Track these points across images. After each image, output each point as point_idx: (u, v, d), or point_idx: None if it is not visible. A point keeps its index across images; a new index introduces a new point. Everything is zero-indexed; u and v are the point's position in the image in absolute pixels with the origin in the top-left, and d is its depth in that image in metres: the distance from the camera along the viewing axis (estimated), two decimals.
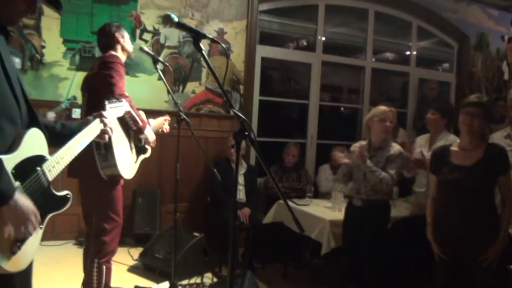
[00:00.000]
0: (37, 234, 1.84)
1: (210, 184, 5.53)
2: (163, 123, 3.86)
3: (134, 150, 3.46)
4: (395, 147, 3.87)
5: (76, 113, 5.12)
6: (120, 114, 2.56)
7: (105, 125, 2.31)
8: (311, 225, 4.32)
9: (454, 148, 3.22)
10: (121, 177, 3.22)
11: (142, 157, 3.59)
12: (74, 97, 4.94)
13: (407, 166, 4.14)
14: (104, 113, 2.33)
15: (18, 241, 1.71)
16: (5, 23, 1.85)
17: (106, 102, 2.44)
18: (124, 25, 3.58)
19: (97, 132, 2.27)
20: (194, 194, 5.84)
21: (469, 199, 3.02)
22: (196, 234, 4.69)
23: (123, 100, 2.60)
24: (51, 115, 4.41)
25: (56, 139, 2.04)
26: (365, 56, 7.29)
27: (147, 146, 3.63)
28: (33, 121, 1.90)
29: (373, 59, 7.38)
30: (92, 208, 3.33)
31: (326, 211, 4.60)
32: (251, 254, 5.03)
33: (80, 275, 3.59)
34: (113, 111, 2.45)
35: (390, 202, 4.00)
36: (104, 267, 3.31)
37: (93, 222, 3.34)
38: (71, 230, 5.28)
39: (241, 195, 5.39)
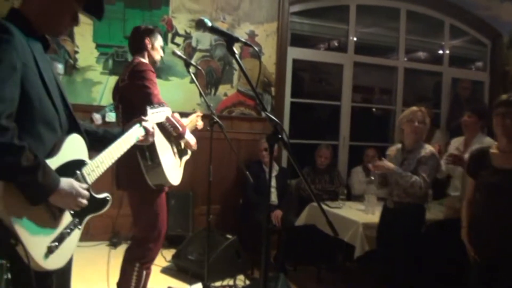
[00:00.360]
0: (75, 235, 1.91)
1: (242, 187, 5.54)
2: (196, 120, 3.86)
3: (177, 155, 3.47)
4: (427, 149, 3.79)
5: (110, 116, 5.19)
6: (162, 119, 2.59)
7: (146, 129, 2.36)
8: (344, 228, 4.28)
9: (493, 150, 3.14)
10: (169, 184, 3.24)
11: (184, 159, 3.61)
12: (112, 106, 4.99)
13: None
14: (144, 117, 2.37)
15: (56, 241, 1.79)
16: (51, 35, 1.97)
17: (148, 108, 2.47)
18: (159, 29, 3.56)
19: (138, 136, 2.32)
20: (226, 196, 5.87)
21: (509, 203, 2.95)
22: (228, 236, 4.70)
23: (165, 105, 2.62)
24: (97, 117, 4.47)
25: (98, 144, 2.12)
26: (397, 56, 7.20)
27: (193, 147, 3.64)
28: (74, 127, 1.98)
29: (405, 59, 7.29)
30: (139, 216, 3.37)
31: (359, 214, 4.55)
32: (284, 256, 5.02)
33: (113, 276, 3.62)
34: (155, 116, 2.48)
35: (425, 205, 3.93)
36: (144, 272, 3.34)
37: (139, 229, 3.38)
38: (105, 231, 5.37)
39: (273, 197, 5.39)
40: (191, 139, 3.47)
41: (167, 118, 2.98)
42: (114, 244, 5.34)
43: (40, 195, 1.68)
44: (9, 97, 1.63)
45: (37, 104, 1.77)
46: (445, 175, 4.41)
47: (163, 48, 3.56)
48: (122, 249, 5.17)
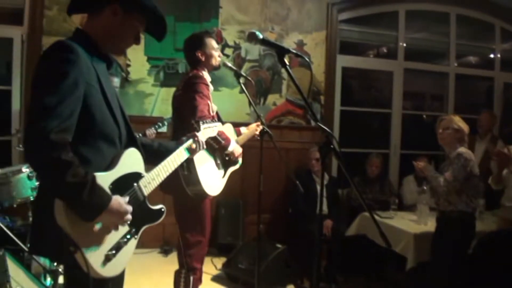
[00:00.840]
0: (131, 244, 1.97)
1: (291, 196, 5.54)
2: (255, 129, 3.90)
3: (221, 165, 3.52)
4: (457, 150, 3.74)
5: (162, 127, 5.30)
6: (214, 134, 2.63)
7: (198, 144, 2.42)
8: (396, 239, 4.22)
9: None
10: (206, 194, 3.29)
11: (231, 169, 3.64)
12: (166, 120, 5.09)
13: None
14: (197, 134, 2.44)
15: (113, 249, 1.86)
16: (113, 54, 2.07)
17: (201, 122, 2.52)
18: (213, 32, 3.59)
19: (187, 154, 2.38)
20: (276, 205, 5.88)
21: None
22: (278, 245, 4.71)
23: (221, 117, 2.67)
24: (151, 131, 4.59)
25: (154, 157, 2.19)
26: (448, 62, 7.05)
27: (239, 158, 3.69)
28: (131, 141, 2.08)
29: (456, 64, 7.12)
30: (180, 222, 3.43)
31: (411, 225, 4.47)
32: (334, 267, 4.98)
33: (165, 283, 3.69)
34: (207, 131, 2.53)
35: (475, 214, 3.82)
36: (191, 278, 3.39)
37: (182, 235, 3.44)
38: (156, 239, 5.48)
39: (323, 207, 5.36)
40: (236, 150, 3.50)
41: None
42: (165, 252, 5.44)
43: (88, 213, 1.72)
44: (66, 113, 1.69)
45: (99, 120, 1.85)
46: (501, 187, 4.27)
47: (223, 49, 3.59)
48: (172, 256, 5.29)
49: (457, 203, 3.66)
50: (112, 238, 1.87)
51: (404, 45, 6.76)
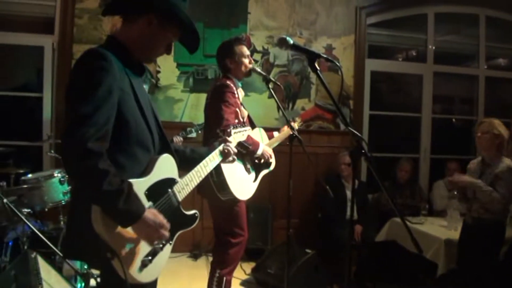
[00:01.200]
0: (166, 249, 2.01)
1: (321, 201, 5.52)
2: (289, 132, 3.91)
3: (252, 170, 3.55)
4: (504, 163, 3.65)
5: (191, 133, 5.35)
6: (244, 138, 2.66)
7: (229, 150, 2.43)
8: (426, 245, 4.18)
9: None
10: (236, 198, 3.32)
11: (264, 172, 3.68)
12: (199, 125, 5.15)
13: None
14: (228, 138, 2.46)
15: (149, 255, 1.88)
16: (144, 62, 2.09)
17: (231, 127, 2.55)
18: (242, 38, 3.63)
19: (219, 158, 2.40)
20: (305, 210, 5.87)
21: None
22: (308, 250, 4.69)
23: (246, 125, 2.69)
24: (178, 139, 4.65)
25: (186, 163, 2.23)
26: (478, 64, 6.95)
27: (270, 160, 3.69)
28: (165, 146, 2.10)
29: (486, 67, 7.01)
30: (219, 223, 3.48)
31: (441, 230, 4.43)
32: (364, 273, 4.94)
33: (196, 286, 3.72)
34: (237, 136, 2.56)
35: (505, 222, 3.75)
36: (224, 279, 3.42)
37: (218, 235, 3.48)
38: (186, 243, 5.53)
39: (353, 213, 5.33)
40: (265, 153, 3.53)
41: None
42: (195, 256, 5.48)
43: (124, 220, 1.75)
44: (102, 121, 1.72)
45: (133, 126, 1.88)
46: None
47: (251, 54, 3.63)
48: (202, 260, 5.32)
49: (498, 213, 3.59)
50: (149, 244, 1.89)
51: (433, 48, 6.69)
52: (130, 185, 1.76)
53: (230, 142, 2.45)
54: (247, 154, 3.44)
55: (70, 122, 1.69)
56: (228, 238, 3.41)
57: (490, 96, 6.99)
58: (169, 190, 2.01)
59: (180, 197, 2.07)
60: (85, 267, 3.58)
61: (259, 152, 3.47)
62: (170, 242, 2.03)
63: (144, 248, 1.86)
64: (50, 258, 3.45)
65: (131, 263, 1.80)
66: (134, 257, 1.82)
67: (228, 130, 2.53)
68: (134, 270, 1.81)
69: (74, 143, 1.65)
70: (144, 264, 1.85)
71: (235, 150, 2.49)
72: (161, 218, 1.85)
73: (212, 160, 2.33)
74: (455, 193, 4.18)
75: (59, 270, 3.35)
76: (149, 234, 1.83)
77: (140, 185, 1.84)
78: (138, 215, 1.76)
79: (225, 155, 2.42)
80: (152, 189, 1.90)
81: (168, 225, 1.87)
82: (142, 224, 1.78)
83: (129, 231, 1.79)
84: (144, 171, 1.93)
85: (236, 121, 3.32)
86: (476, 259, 3.61)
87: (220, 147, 2.41)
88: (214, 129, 3.04)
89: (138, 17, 1.97)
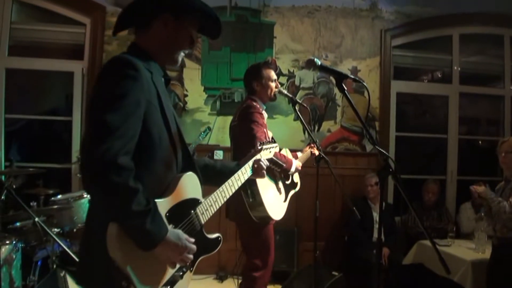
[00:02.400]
0: (186, 278, 1.89)
1: (348, 223, 5.49)
2: (310, 152, 3.95)
3: (282, 190, 3.57)
4: None
5: (218, 154, 5.41)
6: (271, 156, 2.68)
7: (258, 165, 2.37)
8: (453, 267, 4.14)
9: None
10: (271, 218, 3.33)
11: (292, 193, 3.70)
12: (209, 128, 5.25)
13: None
14: (257, 155, 2.42)
15: (168, 284, 1.78)
16: (169, 65, 1.98)
17: (259, 143, 2.53)
18: (269, 62, 3.68)
19: (248, 174, 2.31)
20: (331, 232, 5.84)
21: None
22: (334, 273, 4.66)
23: (275, 142, 2.72)
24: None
25: (215, 178, 2.14)
26: (503, 85, 6.89)
27: (296, 181, 3.72)
28: (188, 164, 1.96)
29: (511, 87, 6.94)
30: (247, 246, 3.49)
31: (469, 252, 4.39)
32: None
33: None
34: (265, 152, 2.57)
35: None
36: None
37: (248, 259, 3.50)
38: (212, 265, 5.53)
39: (381, 235, 5.29)
40: (297, 167, 3.56)
41: (269, 159, 3.08)
42: (220, 278, 5.47)
43: (148, 242, 1.63)
44: (130, 133, 1.62)
45: (157, 142, 1.76)
46: None
47: (277, 77, 3.68)
48: (228, 282, 5.32)
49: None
50: (167, 272, 1.77)
51: (459, 69, 6.66)
52: (156, 205, 1.67)
53: (258, 158, 2.39)
54: (280, 172, 3.47)
55: (95, 133, 1.58)
56: (254, 261, 3.42)
57: None
58: (192, 211, 1.89)
59: (204, 219, 1.96)
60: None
61: (292, 169, 3.49)
62: (191, 269, 1.91)
63: (162, 276, 1.75)
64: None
65: None
66: (151, 286, 1.70)
67: (259, 147, 2.49)
68: None
69: (102, 157, 1.53)
70: None
71: (267, 164, 2.43)
72: (185, 240, 1.75)
73: (238, 178, 2.21)
74: (482, 214, 4.15)
75: None
76: (172, 256, 1.73)
77: (161, 206, 1.72)
78: (162, 237, 1.66)
79: (255, 170, 2.34)
80: (173, 210, 1.79)
81: (194, 247, 1.78)
82: (165, 246, 1.67)
83: (146, 257, 1.66)
84: (166, 191, 1.81)
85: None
86: (506, 281, 3.56)
87: (250, 162, 2.33)
88: (245, 149, 3.06)
89: (152, 21, 1.87)
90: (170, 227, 1.74)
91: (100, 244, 1.59)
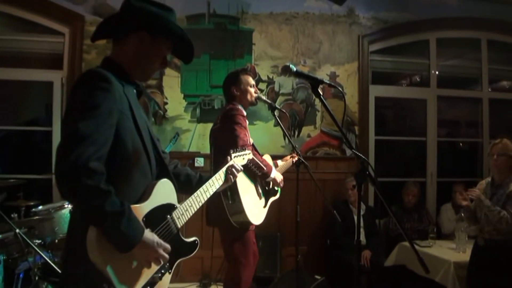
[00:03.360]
0: (165, 279, 1.96)
1: (329, 227, 5.53)
2: (291, 160, 3.98)
3: (262, 195, 3.59)
4: None
5: (199, 161, 5.43)
6: (244, 162, 2.71)
7: (231, 171, 2.42)
8: (435, 268, 4.19)
9: None
10: (250, 223, 3.35)
11: (271, 199, 3.71)
12: (177, 133, 5.26)
13: None
14: (230, 161, 2.47)
15: (148, 285, 1.84)
16: (141, 80, 2.06)
17: (231, 151, 2.56)
18: (248, 68, 3.71)
19: (222, 180, 2.37)
20: (313, 236, 5.87)
21: None
22: (317, 277, 4.69)
23: (247, 149, 2.74)
24: None
25: (193, 188, 2.21)
26: (481, 87, 7.01)
27: (276, 188, 3.73)
28: (163, 171, 2.05)
29: (489, 89, 7.07)
30: (228, 252, 3.50)
31: (450, 253, 4.45)
32: None
33: None
34: (237, 159, 2.59)
35: None
36: None
37: (228, 264, 3.50)
38: (195, 272, 5.52)
39: (361, 237, 5.32)
40: (277, 176, 3.58)
41: (251, 159, 3.10)
42: (204, 286, 5.45)
43: (125, 244, 1.69)
44: (102, 140, 1.68)
45: (130, 150, 1.83)
46: None
47: (257, 84, 3.69)
48: None
49: (509, 233, 3.60)
50: (146, 273, 1.84)
51: (437, 72, 6.76)
52: (129, 207, 1.73)
53: (231, 164, 2.44)
54: (260, 177, 3.48)
55: (68, 140, 1.65)
56: (235, 267, 3.43)
57: (494, 118, 7.03)
58: (168, 216, 1.96)
59: (180, 223, 2.02)
60: None
61: (272, 175, 3.51)
62: (170, 271, 1.98)
63: (142, 277, 1.81)
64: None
65: None
66: (131, 287, 1.76)
67: (232, 153, 2.53)
68: None
69: (74, 162, 1.59)
70: None
71: (241, 168, 2.49)
72: (159, 240, 1.82)
73: (215, 182, 2.29)
74: (462, 214, 4.20)
75: None
76: (149, 255, 1.79)
77: (138, 211, 1.80)
78: (138, 238, 1.72)
79: (228, 176, 2.40)
80: (150, 215, 1.85)
81: (168, 246, 1.84)
82: (142, 246, 1.74)
83: (126, 259, 1.73)
84: (142, 197, 1.88)
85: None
86: (488, 281, 3.60)
87: (224, 168, 2.39)
88: (227, 151, 3.06)
89: (129, 36, 1.95)
90: (147, 231, 1.80)
91: (81, 249, 1.66)
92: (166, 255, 1.85)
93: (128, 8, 1.96)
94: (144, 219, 1.82)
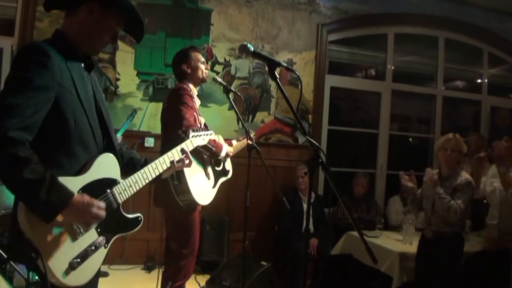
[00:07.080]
0: (100, 253, 1.90)
1: (278, 214, 5.53)
2: (246, 142, 3.91)
3: (212, 175, 3.53)
4: (463, 176, 3.75)
5: (149, 141, 5.30)
6: (204, 143, 2.62)
7: (184, 153, 2.35)
8: (381, 258, 4.23)
9: None
10: (197, 203, 3.29)
11: (222, 179, 3.66)
12: (135, 110, 5.12)
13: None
14: (183, 144, 2.39)
15: (79, 257, 1.79)
16: (89, 53, 2.02)
17: (190, 131, 2.50)
18: (199, 48, 3.62)
19: (175, 158, 2.29)
20: (261, 223, 5.87)
21: None
22: (263, 263, 4.69)
23: (209, 130, 2.67)
24: (118, 138, 4.56)
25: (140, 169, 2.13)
26: (436, 85, 7.14)
27: (228, 168, 3.69)
28: (109, 146, 2.02)
29: (443, 87, 7.22)
30: (172, 234, 3.43)
31: (396, 244, 4.51)
32: (319, 286, 4.96)
33: None
34: (196, 139, 2.51)
35: (463, 235, 3.85)
36: None
37: (171, 246, 3.43)
38: (139, 255, 5.42)
39: (309, 225, 5.35)
40: (229, 154, 3.54)
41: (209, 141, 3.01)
42: (148, 268, 5.36)
43: (46, 213, 1.67)
44: (28, 113, 1.66)
45: (72, 123, 1.81)
46: (481, 196, 4.32)
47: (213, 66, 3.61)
48: (156, 273, 5.22)
49: (455, 225, 3.67)
50: (79, 245, 1.80)
51: (393, 67, 6.84)
52: (53, 174, 1.68)
53: (184, 147, 2.38)
54: (209, 157, 3.42)
55: None
56: (180, 248, 3.35)
57: (446, 116, 7.18)
58: (108, 190, 1.92)
59: (121, 198, 1.97)
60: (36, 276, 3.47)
61: (222, 154, 3.44)
62: (106, 245, 1.93)
63: (72, 249, 1.77)
64: (1, 267, 3.33)
65: (56, 264, 1.71)
66: (61, 258, 1.73)
67: (186, 133, 2.47)
68: (59, 273, 1.72)
69: None
70: (72, 267, 1.76)
71: (190, 156, 2.40)
72: (89, 199, 1.76)
73: (166, 160, 2.23)
74: (408, 205, 4.26)
75: (10, 279, 3.24)
76: (81, 217, 1.75)
77: (74, 183, 1.77)
78: (63, 205, 1.68)
79: (181, 159, 2.32)
80: (87, 188, 1.82)
81: (102, 204, 1.80)
82: (71, 209, 1.70)
83: (55, 229, 1.71)
84: (81, 170, 1.85)
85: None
86: (436, 272, 3.67)
87: (179, 148, 2.33)
88: (174, 131, 2.97)
89: (79, 7, 1.92)
90: (77, 194, 1.76)
91: (15, 219, 1.68)
92: (102, 213, 1.80)
93: None
94: (80, 191, 1.79)
